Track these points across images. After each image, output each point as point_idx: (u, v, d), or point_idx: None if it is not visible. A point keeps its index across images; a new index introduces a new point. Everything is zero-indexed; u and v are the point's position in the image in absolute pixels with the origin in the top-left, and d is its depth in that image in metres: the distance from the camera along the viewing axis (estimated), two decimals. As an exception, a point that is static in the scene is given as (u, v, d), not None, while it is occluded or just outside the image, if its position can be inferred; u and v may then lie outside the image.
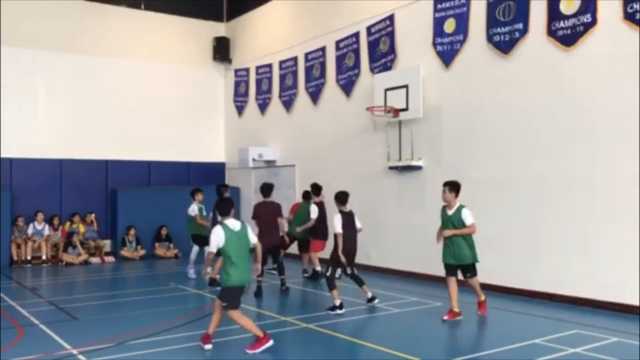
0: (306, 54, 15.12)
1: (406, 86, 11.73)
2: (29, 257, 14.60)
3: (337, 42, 14.04)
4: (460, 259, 8.42)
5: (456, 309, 8.36)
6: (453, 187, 8.59)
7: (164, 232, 15.89)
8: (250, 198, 17.16)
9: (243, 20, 17.91)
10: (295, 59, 15.56)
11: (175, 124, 17.59)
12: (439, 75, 11.44)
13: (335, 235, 8.90)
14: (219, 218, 7.20)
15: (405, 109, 11.76)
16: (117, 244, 15.86)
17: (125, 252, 15.48)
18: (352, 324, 8.25)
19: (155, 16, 17.40)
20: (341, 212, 9.08)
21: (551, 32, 9.51)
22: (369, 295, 9.28)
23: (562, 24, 9.36)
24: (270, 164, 16.43)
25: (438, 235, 8.60)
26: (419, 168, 11.79)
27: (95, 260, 15.05)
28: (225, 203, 7.29)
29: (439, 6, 11.42)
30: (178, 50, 17.79)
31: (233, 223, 7.03)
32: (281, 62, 16.09)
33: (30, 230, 14.80)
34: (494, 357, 6.52)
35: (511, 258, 10.12)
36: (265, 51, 16.77)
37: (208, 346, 6.89)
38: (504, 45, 10.24)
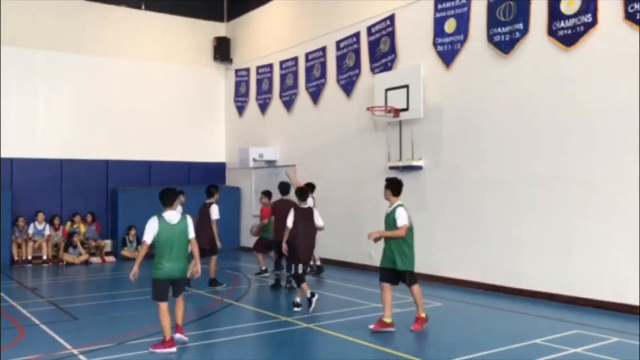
0: (307, 54, 15.12)
1: (407, 86, 11.72)
2: (29, 257, 14.61)
3: (338, 42, 14.04)
4: (392, 263, 7.67)
5: (387, 319, 7.65)
6: (389, 183, 7.87)
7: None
8: (251, 198, 17.17)
9: (243, 20, 17.91)
10: (295, 59, 15.56)
11: (176, 124, 17.60)
12: (440, 75, 11.44)
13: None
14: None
15: (406, 109, 11.76)
16: (117, 244, 15.87)
17: (125, 252, 15.48)
18: (352, 324, 8.25)
19: (156, 16, 17.41)
20: (296, 208, 9.21)
21: (552, 32, 9.51)
22: (308, 294, 8.80)
23: (562, 24, 9.36)
24: (270, 164, 16.43)
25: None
26: (419, 168, 11.79)
27: (95, 260, 15.06)
28: (167, 194, 7.08)
29: (439, 6, 11.42)
30: (178, 50, 17.79)
31: (171, 215, 6.95)
32: (282, 62, 16.09)
33: (30, 230, 14.81)
34: (495, 357, 6.52)
35: (511, 258, 10.12)
36: (266, 51, 16.77)
37: (177, 335, 6.93)
38: (505, 45, 10.24)
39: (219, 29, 18.50)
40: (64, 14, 15.98)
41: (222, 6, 18.66)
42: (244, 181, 17.62)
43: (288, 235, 9.11)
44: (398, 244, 7.61)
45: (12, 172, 15.16)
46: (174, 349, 6.76)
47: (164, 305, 6.82)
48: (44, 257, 14.72)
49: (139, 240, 15.74)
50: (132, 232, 15.64)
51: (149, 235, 6.86)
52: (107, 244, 15.95)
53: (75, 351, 6.77)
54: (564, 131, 9.37)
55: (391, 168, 12.29)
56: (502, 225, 10.27)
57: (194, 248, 7.19)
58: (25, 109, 15.41)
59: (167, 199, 7.05)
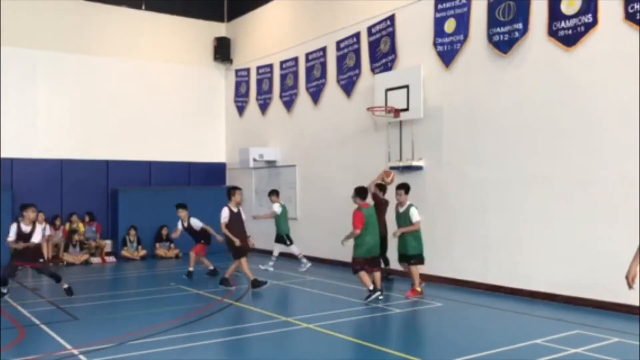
0: (307, 54, 15.12)
1: (407, 86, 11.72)
2: (29, 257, 14.59)
3: (338, 42, 14.04)
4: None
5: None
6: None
7: (164, 232, 15.89)
8: (251, 198, 17.16)
9: (244, 20, 17.92)
10: (295, 59, 15.57)
11: (176, 124, 17.61)
12: (440, 75, 11.44)
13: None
14: None
15: (406, 109, 11.76)
16: (118, 244, 15.87)
17: (125, 252, 15.48)
18: (352, 324, 8.25)
19: (156, 16, 17.41)
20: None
21: (552, 32, 9.51)
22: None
23: (563, 24, 9.36)
24: (271, 164, 16.44)
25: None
26: (419, 168, 11.79)
27: (96, 260, 15.06)
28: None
29: (439, 6, 11.41)
30: (179, 50, 17.80)
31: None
32: (282, 62, 16.09)
33: (31, 231, 14.78)
34: (495, 357, 6.51)
35: (512, 258, 10.11)
36: (266, 51, 16.78)
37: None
38: (504, 45, 10.23)
39: (219, 29, 18.51)
40: (64, 14, 15.98)
41: (222, 6, 18.67)
42: (244, 181, 17.61)
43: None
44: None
45: (13, 173, 15.17)
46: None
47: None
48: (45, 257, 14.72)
49: (140, 240, 15.78)
50: (133, 232, 15.63)
51: None
52: (108, 244, 15.96)
53: (75, 351, 6.77)
54: (564, 131, 9.37)
55: (391, 168, 12.29)
56: (503, 225, 10.27)
57: None
58: (25, 110, 15.42)
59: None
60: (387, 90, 12.09)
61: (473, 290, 10.50)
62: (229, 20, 18.61)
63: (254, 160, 16.23)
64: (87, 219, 15.68)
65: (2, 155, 14.95)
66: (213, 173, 18.16)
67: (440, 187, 11.42)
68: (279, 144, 16.29)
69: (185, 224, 12.66)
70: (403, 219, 9.98)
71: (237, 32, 18.24)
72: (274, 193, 13.50)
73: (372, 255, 9.60)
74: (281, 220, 13.16)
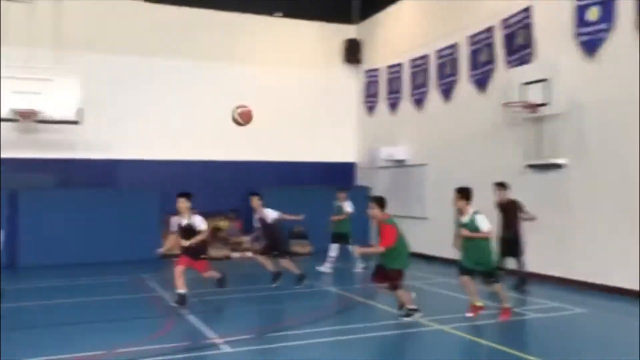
0: (437, 51, 14.89)
1: (545, 80, 11.14)
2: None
3: (471, 37, 13.68)
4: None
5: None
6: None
7: (297, 230, 16.36)
8: (381, 197, 17.17)
9: (374, 21, 18.01)
10: (426, 56, 15.39)
11: (309, 126, 18.01)
12: (582, 67, 10.74)
13: None
14: None
15: (545, 104, 11.19)
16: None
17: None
18: (488, 327, 8.00)
19: (286, 22, 17.92)
20: None
21: None
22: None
23: None
24: (400, 163, 16.37)
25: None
26: (559, 166, 11.17)
27: (235, 255, 15.94)
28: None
29: (581, -7, 10.73)
30: (310, 54, 18.20)
31: None
32: (412, 61, 15.98)
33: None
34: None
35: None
36: (396, 51, 16.75)
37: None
38: (657, 32, 9.41)
39: (349, 31, 18.72)
40: (201, 24, 16.91)
41: (350, 9, 18.82)
42: (374, 180, 17.68)
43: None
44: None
45: (160, 174, 16.34)
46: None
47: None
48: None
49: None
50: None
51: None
52: (246, 240, 16.78)
53: (220, 341, 7.18)
54: None
55: (528, 166, 11.78)
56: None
57: None
58: (184, 114, 16.56)
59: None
60: (524, 84, 11.57)
61: (624, 298, 9.71)
62: (359, 22, 18.77)
63: (383, 159, 16.25)
64: (231, 216, 16.67)
65: (154, 157, 16.23)
66: (343, 172, 18.42)
67: (584, 187, 10.72)
68: (409, 142, 16.18)
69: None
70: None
71: (367, 33, 18.37)
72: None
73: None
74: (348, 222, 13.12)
